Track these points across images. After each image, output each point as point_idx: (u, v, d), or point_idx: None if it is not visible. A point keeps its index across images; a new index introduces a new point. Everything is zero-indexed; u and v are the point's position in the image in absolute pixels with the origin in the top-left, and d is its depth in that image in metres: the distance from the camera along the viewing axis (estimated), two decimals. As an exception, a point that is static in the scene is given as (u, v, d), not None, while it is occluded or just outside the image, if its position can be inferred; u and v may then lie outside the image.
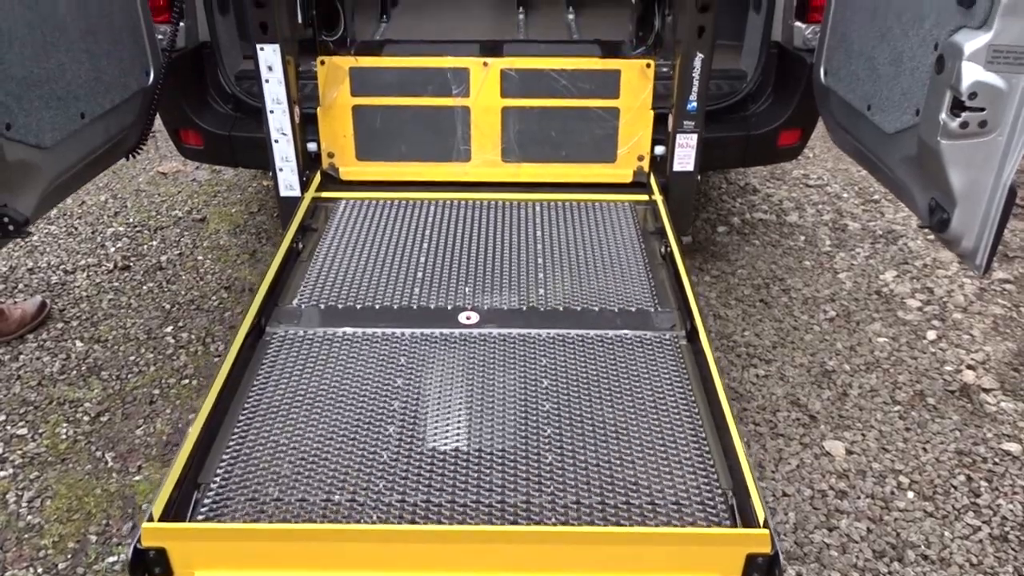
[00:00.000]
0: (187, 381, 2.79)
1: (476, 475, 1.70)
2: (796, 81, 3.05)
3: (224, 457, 1.74)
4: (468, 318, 2.17)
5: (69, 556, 2.16)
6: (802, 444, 2.56)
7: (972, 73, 1.98)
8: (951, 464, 2.50)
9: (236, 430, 1.80)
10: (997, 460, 2.52)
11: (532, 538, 1.47)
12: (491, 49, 3.50)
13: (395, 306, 2.23)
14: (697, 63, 2.54)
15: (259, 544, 1.49)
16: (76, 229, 3.76)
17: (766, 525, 1.47)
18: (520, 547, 1.47)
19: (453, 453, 1.74)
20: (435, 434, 1.80)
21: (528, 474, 1.70)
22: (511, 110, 2.82)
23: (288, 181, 2.75)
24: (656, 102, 2.79)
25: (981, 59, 1.97)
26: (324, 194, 2.80)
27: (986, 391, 2.79)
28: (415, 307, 2.23)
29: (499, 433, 1.81)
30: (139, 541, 1.46)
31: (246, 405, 1.87)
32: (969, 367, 2.90)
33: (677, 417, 1.86)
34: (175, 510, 1.58)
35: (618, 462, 1.73)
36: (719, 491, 1.65)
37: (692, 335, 2.08)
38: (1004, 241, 3.68)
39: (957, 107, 2.03)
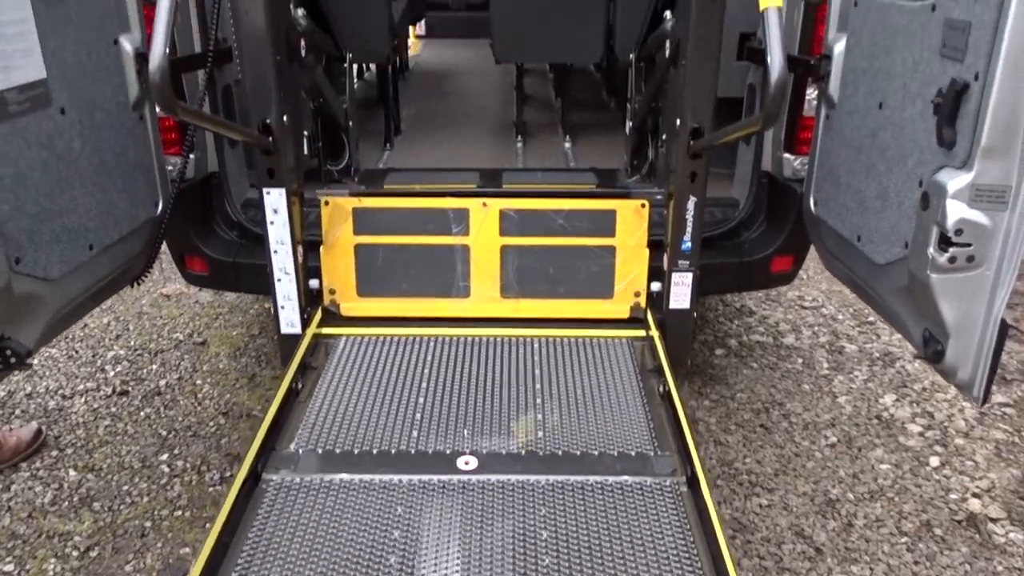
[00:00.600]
0: (180, 512, 2.74)
1: None
2: (787, 209, 3.13)
3: None
4: (467, 463, 2.15)
5: None
6: (809, 579, 2.50)
7: (957, 210, 2.05)
8: (963, 600, 2.43)
9: None
10: (1011, 596, 2.45)
11: None
12: (491, 177, 3.62)
13: (393, 451, 2.21)
14: (690, 206, 2.63)
15: None
16: (77, 352, 3.78)
17: None
18: None
19: None
20: None
21: None
22: (510, 248, 2.89)
23: (289, 319, 2.78)
24: (651, 241, 2.86)
25: (965, 197, 2.04)
26: (325, 330, 2.83)
27: (993, 521, 2.74)
28: (413, 452, 2.20)
29: None
30: None
31: (239, 561, 1.83)
32: (975, 495, 2.86)
33: (679, 570, 1.82)
34: None
35: None
36: None
37: (692, 481, 2.05)
38: (1001, 364, 3.69)
39: (944, 242, 2.08)
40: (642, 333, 2.79)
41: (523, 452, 2.22)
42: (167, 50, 1.97)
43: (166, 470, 2.95)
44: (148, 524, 2.69)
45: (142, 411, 3.32)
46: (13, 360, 2.21)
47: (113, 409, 3.33)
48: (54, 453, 3.04)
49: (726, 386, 3.50)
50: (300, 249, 2.76)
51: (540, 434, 2.28)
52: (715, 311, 4.17)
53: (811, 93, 2.93)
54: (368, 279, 2.92)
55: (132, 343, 3.86)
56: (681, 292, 2.75)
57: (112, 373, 3.60)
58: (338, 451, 2.21)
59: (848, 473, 2.97)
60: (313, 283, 2.87)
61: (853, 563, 2.56)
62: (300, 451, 2.21)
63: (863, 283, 2.63)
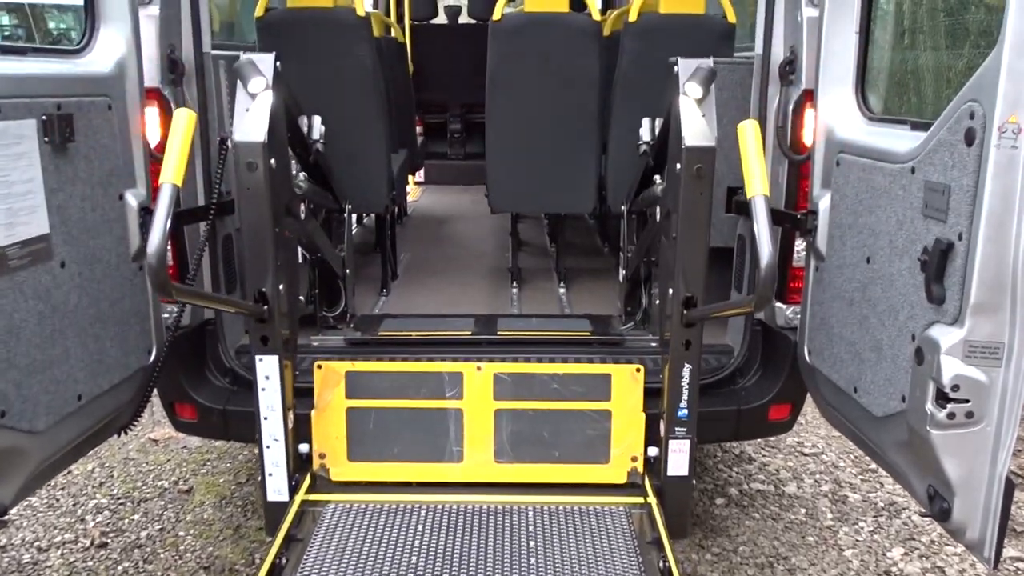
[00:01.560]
0: None
1: None
2: (783, 357, 3.13)
3: None
4: None
5: None
6: None
7: (952, 367, 2.04)
8: None
9: None
10: None
11: None
12: (485, 323, 3.63)
13: None
14: (686, 373, 2.64)
15: None
16: (57, 501, 3.66)
17: None
18: None
19: None
20: None
21: None
22: (504, 412, 2.87)
23: (277, 486, 2.71)
24: (648, 406, 2.84)
25: (959, 353, 2.04)
26: (312, 496, 2.76)
27: None
28: None
29: None
30: None
31: None
32: (994, 660, 2.72)
33: None
34: None
35: None
36: None
37: None
38: (1010, 515, 3.59)
39: (942, 398, 2.07)
40: (640, 500, 2.73)
41: None
42: (166, 233, 2.05)
43: (140, 632, 2.81)
44: None
45: (120, 564, 3.18)
46: (-10, 518, 2.14)
47: (90, 563, 3.19)
48: (24, 613, 2.90)
49: (728, 538, 3.39)
50: (291, 415, 2.72)
51: None
52: (714, 458, 4.09)
53: (800, 245, 2.99)
54: (359, 443, 2.87)
55: (115, 491, 3.75)
56: (679, 459, 2.71)
57: (92, 524, 3.48)
58: None
59: (860, 636, 2.83)
60: (303, 448, 2.82)
61: None
62: None
63: (862, 435, 2.59)
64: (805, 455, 4.13)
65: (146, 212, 2.72)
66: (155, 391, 3.10)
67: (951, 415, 2.06)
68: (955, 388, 2.04)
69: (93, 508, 3.61)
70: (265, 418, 2.69)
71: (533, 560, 2.40)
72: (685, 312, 2.55)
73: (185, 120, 2.29)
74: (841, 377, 2.65)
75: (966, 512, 2.13)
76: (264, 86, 2.52)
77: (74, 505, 3.63)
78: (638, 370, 2.84)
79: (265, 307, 2.56)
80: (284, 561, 2.40)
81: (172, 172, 2.19)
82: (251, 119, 2.50)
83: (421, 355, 3.27)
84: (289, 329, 2.71)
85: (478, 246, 5.51)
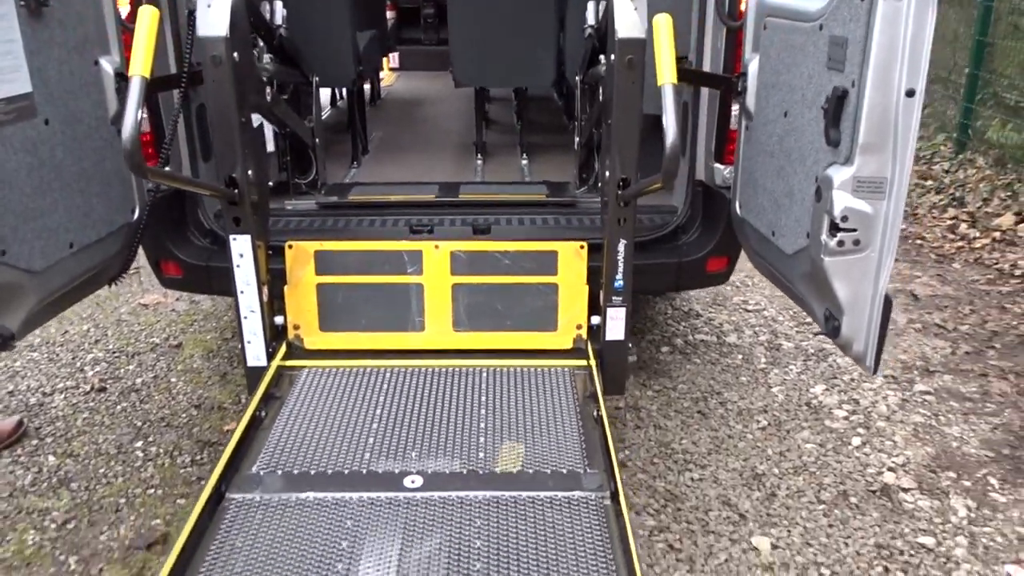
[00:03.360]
0: (153, 491, 2.95)
1: None
2: (721, 214, 3.41)
3: None
4: (412, 481, 2.37)
5: (28, 653, 2.27)
6: (731, 540, 2.73)
7: (842, 200, 2.32)
8: (870, 556, 2.67)
9: None
10: (912, 552, 2.69)
11: None
12: (448, 189, 3.88)
13: (346, 471, 2.42)
14: (621, 248, 2.88)
15: None
16: (57, 355, 3.98)
17: None
18: None
19: None
20: None
21: None
22: (460, 286, 3.13)
23: (256, 353, 2.98)
24: (591, 279, 3.10)
25: (848, 188, 2.32)
26: (289, 363, 3.03)
27: (905, 490, 3.00)
28: (364, 472, 2.42)
29: None
30: None
31: (201, 569, 2.04)
32: (890, 469, 3.11)
33: (595, 572, 2.05)
34: None
35: None
36: None
37: (615, 495, 2.30)
38: (925, 356, 3.98)
39: (834, 228, 2.36)
40: (583, 363, 3.02)
41: (464, 471, 2.44)
42: (138, 120, 2.23)
43: (140, 455, 3.16)
44: (123, 501, 2.89)
45: (118, 405, 3.52)
46: None
47: (91, 404, 3.54)
48: (34, 442, 3.24)
49: (669, 378, 3.75)
50: (265, 289, 2.97)
51: (481, 455, 2.51)
52: (664, 314, 4.43)
53: (736, 108, 3.22)
54: (330, 315, 3.13)
55: (111, 346, 4.07)
56: (616, 325, 3.00)
57: (91, 373, 3.81)
58: (296, 472, 2.42)
59: (775, 451, 3.22)
60: (279, 320, 3.09)
61: (773, 526, 2.80)
62: (261, 472, 2.42)
63: (778, 272, 2.90)
64: (748, 311, 4.48)
65: (121, 78, 2.91)
66: (143, 251, 3.37)
67: (840, 243, 2.35)
68: (844, 219, 2.33)
69: (91, 360, 3.93)
70: (241, 292, 2.94)
71: (484, 412, 2.72)
72: (619, 192, 2.80)
73: (149, 16, 2.44)
74: (763, 224, 2.93)
75: (852, 328, 2.45)
76: None
77: (73, 358, 3.96)
78: (582, 247, 3.09)
79: (235, 191, 2.77)
80: (263, 414, 2.69)
81: (140, 64, 2.34)
82: (214, 14, 2.64)
83: (387, 220, 3.54)
84: (259, 211, 2.94)
85: (448, 124, 5.70)
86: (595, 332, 3.09)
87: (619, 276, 2.95)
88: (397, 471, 2.43)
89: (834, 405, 3.55)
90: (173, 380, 3.74)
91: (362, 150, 4.74)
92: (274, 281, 3.12)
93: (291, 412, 2.72)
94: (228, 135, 2.76)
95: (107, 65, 2.85)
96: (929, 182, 6.80)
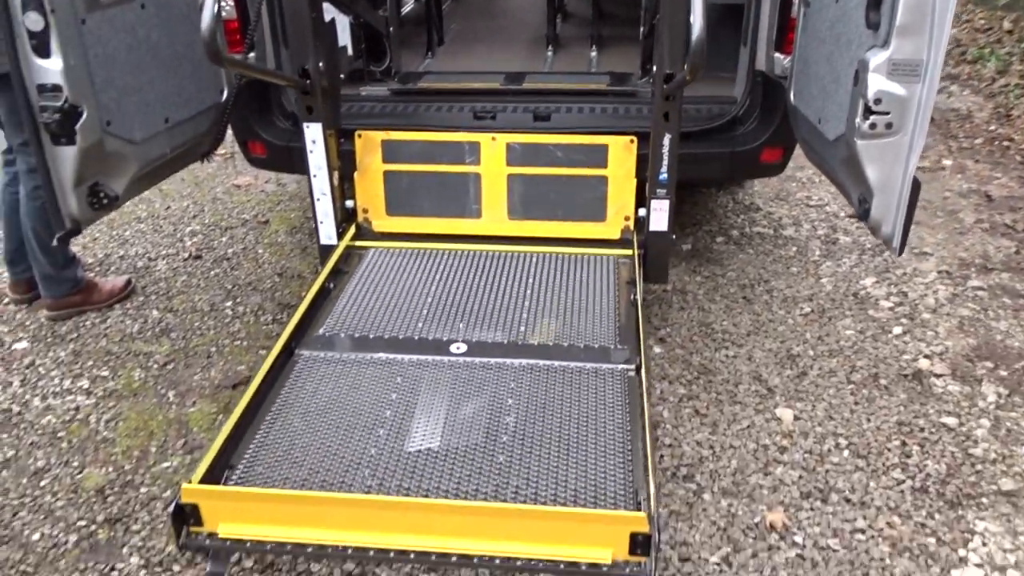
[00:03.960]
0: (239, 342, 3.34)
1: (441, 468, 2.16)
2: (778, 105, 3.45)
3: (252, 445, 2.24)
4: (458, 348, 2.64)
5: (134, 461, 2.70)
6: (756, 410, 2.92)
7: (877, 83, 2.38)
8: (890, 431, 2.82)
9: (262, 427, 2.31)
10: (933, 430, 2.83)
11: (464, 511, 1.94)
12: (514, 78, 4.02)
13: (400, 336, 2.71)
14: (666, 141, 2.99)
15: (266, 505, 1.98)
16: (160, 227, 4.41)
17: (647, 512, 1.92)
18: (456, 517, 1.93)
19: (426, 451, 2.21)
20: (414, 436, 2.27)
21: (482, 469, 2.15)
22: (515, 176, 3.32)
23: (328, 232, 3.28)
24: (640, 173, 3.22)
25: (883, 71, 2.38)
26: (357, 243, 3.32)
27: (937, 376, 3.10)
28: (416, 338, 2.70)
29: (465, 437, 2.26)
30: (180, 498, 1.98)
31: (272, 409, 2.38)
32: (926, 357, 3.21)
33: (612, 432, 2.29)
34: (209, 480, 2.08)
35: (555, 464, 2.17)
36: (631, 488, 2.08)
37: (638, 369, 2.51)
38: (987, 255, 3.96)
39: (867, 111, 2.43)
40: (628, 252, 3.20)
41: (505, 341, 2.70)
42: (215, 11, 2.44)
43: (229, 313, 3.56)
44: (213, 349, 3.30)
45: (212, 271, 3.93)
46: (106, 202, 2.79)
47: (189, 269, 3.95)
48: (140, 298, 3.68)
49: (720, 266, 3.89)
50: (336, 174, 3.23)
51: (522, 328, 2.75)
52: (725, 207, 4.52)
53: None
54: (395, 200, 3.39)
55: (206, 221, 4.48)
56: (659, 217, 3.14)
57: (189, 243, 4.22)
58: (356, 335, 2.72)
59: (814, 336, 3.35)
60: (349, 203, 3.36)
61: (799, 401, 2.97)
62: (326, 334, 2.74)
63: (822, 159, 2.97)
64: (810, 206, 4.52)
65: None
66: (231, 132, 3.67)
67: (873, 125, 2.43)
68: (878, 102, 2.39)
69: (189, 232, 4.35)
70: (314, 175, 3.22)
71: (529, 292, 2.96)
72: (664, 87, 2.89)
73: None
74: (812, 111, 2.99)
75: (882, 210, 2.54)
76: None
77: (174, 230, 4.38)
78: (632, 140, 3.21)
79: (308, 81, 3.00)
80: (332, 286, 3.01)
81: None
82: None
83: (453, 107, 3.73)
84: (330, 100, 3.15)
85: (524, 18, 5.76)
86: (641, 223, 3.25)
87: (664, 169, 3.08)
88: (445, 338, 2.71)
89: (881, 296, 3.63)
90: (260, 251, 4.12)
91: (437, 41, 4.89)
92: (346, 166, 3.38)
93: (356, 285, 3.02)
94: (301, 29, 2.99)
95: None
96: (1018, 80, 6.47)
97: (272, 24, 3.56)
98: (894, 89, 2.38)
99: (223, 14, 3.33)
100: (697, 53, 2.45)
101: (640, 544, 1.88)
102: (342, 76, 3.53)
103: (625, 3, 6.19)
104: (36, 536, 2.42)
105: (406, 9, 6.01)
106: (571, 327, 2.77)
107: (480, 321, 2.81)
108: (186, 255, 4.08)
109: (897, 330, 3.38)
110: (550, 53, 4.73)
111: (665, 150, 3.04)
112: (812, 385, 3.05)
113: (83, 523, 2.47)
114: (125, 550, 2.37)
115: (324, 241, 3.33)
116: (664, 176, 3.08)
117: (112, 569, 2.30)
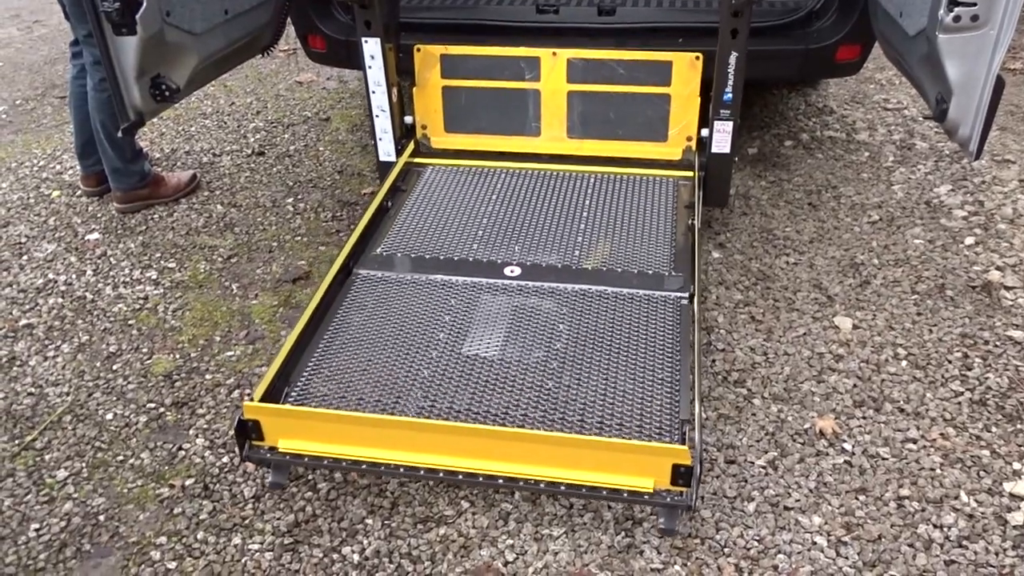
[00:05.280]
0: (300, 238, 3.41)
1: (491, 393, 2.19)
2: (858, 1, 3.25)
3: (309, 364, 2.31)
4: (512, 271, 2.63)
5: (199, 349, 2.82)
6: (814, 318, 2.87)
7: (964, -30, 2.21)
8: (951, 343, 2.74)
9: (320, 346, 2.37)
10: (998, 343, 2.74)
11: (510, 436, 1.97)
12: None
13: (456, 258, 2.72)
14: (732, 60, 2.84)
15: (323, 424, 2.06)
16: (225, 123, 4.46)
17: (691, 445, 1.93)
18: (503, 443, 1.98)
19: (478, 374, 2.24)
20: (466, 359, 2.30)
21: (531, 395, 2.18)
22: (575, 94, 3.21)
23: (387, 149, 3.25)
24: (705, 92, 3.08)
25: (973, -42, 2.20)
26: (416, 160, 3.28)
27: (1008, 288, 2.98)
28: (471, 260, 2.70)
29: (516, 359, 2.28)
30: (242, 415, 2.07)
31: (330, 328, 2.43)
32: (998, 268, 3.08)
33: (661, 360, 2.28)
34: (270, 397, 2.16)
35: (603, 392, 2.18)
36: (677, 419, 2.09)
37: (691, 297, 2.46)
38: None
39: (953, 3, 2.26)
40: (689, 174, 3.10)
41: (559, 265, 2.67)
42: None
43: (291, 209, 3.62)
44: (275, 244, 3.37)
45: (275, 167, 3.98)
46: (168, 93, 2.81)
47: (252, 165, 4.01)
48: (205, 193, 3.76)
49: (786, 171, 3.76)
50: (395, 91, 3.17)
51: (577, 253, 2.71)
52: (796, 109, 4.33)
53: None
54: (454, 117, 3.33)
55: (269, 118, 4.51)
56: (722, 138, 3.02)
57: (252, 139, 4.27)
58: (413, 256, 2.74)
59: (880, 244, 3.24)
60: (408, 119, 3.31)
61: (859, 310, 2.90)
62: (384, 253, 2.76)
63: (901, 58, 2.80)
64: (887, 110, 4.30)
65: None
66: (292, 26, 3.64)
67: (957, 18, 2.26)
68: (964, -8, 2.23)
69: (252, 128, 4.39)
70: (373, 92, 3.17)
71: (585, 214, 2.91)
72: (732, 1, 2.73)
73: None
74: (893, 4, 2.80)
75: (960, 110, 2.39)
76: None
77: (238, 126, 4.43)
78: (697, 58, 3.07)
79: None
80: (390, 204, 3.01)
81: None
82: None
83: (507, 37, 3.62)
84: (389, 14, 3.06)
85: None
86: (704, 144, 3.14)
87: (728, 89, 2.95)
88: (500, 261, 2.72)
89: (955, 205, 3.47)
90: (321, 149, 4.14)
91: None
92: (405, 75, 3.32)
93: (414, 204, 3.02)
94: None
95: None
96: None
97: None
98: (983, -22, 2.21)
99: None
100: None
101: (682, 475, 1.91)
102: None
103: None
104: (109, 416, 2.57)
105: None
106: (626, 251, 2.74)
107: (535, 243, 2.80)
108: (249, 151, 4.14)
109: (969, 240, 3.25)
110: None
111: (731, 68, 2.91)
112: (874, 295, 2.97)
113: (152, 405, 2.60)
114: (192, 431, 2.50)
115: (383, 158, 3.32)
116: (729, 96, 2.96)
117: (179, 448, 2.44)
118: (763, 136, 4.05)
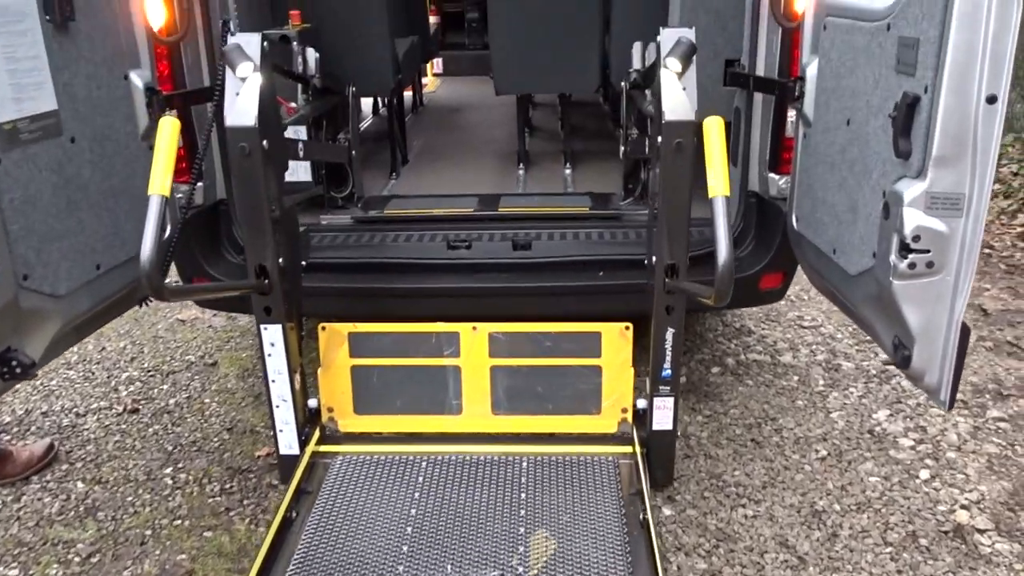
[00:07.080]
0: (179, 522, 2.85)
1: None
2: (775, 227, 3.19)
3: None
4: None
5: None
6: (789, 587, 2.53)
7: (914, 218, 2.11)
8: (944, 608, 2.44)
9: None
10: (992, 604, 2.46)
11: None
12: (489, 201, 3.73)
13: None
14: (668, 336, 2.70)
15: None
16: (93, 374, 3.93)
17: None
18: None
19: None
20: None
21: None
22: (499, 368, 2.97)
23: (288, 441, 2.86)
24: (636, 361, 2.92)
25: (921, 205, 2.11)
26: (322, 448, 2.91)
27: (980, 532, 2.75)
28: None
29: None
30: None
31: None
32: (963, 507, 2.87)
33: None
34: None
35: None
36: None
37: None
38: (999, 380, 3.70)
39: (904, 249, 2.14)
40: (629, 449, 2.85)
41: None
42: (157, 242, 2.17)
43: (169, 482, 3.07)
44: (148, 532, 2.79)
45: (151, 428, 3.44)
46: (19, 371, 2.34)
47: (123, 426, 3.46)
48: (64, 467, 3.17)
49: (720, 402, 3.54)
50: (297, 377, 2.84)
51: (520, 569, 2.32)
52: (715, 331, 4.22)
53: (792, 115, 3.01)
54: (364, 398, 3.00)
55: (146, 365, 4.01)
56: (663, 415, 2.82)
57: (125, 393, 3.74)
58: None
59: (836, 485, 2.99)
60: (312, 403, 2.97)
61: (835, 572, 2.58)
62: None
63: (839, 294, 2.68)
64: (804, 328, 4.24)
65: (151, 92, 2.82)
66: (175, 268, 3.28)
67: (912, 265, 2.14)
68: (916, 239, 2.12)
69: (125, 379, 3.87)
70: (273, 381, 2.81)
71: (523, 512, 2.55)
72: (666, 280, 2.61)
73: (169, 130, 2.33)
74: (823, 240, 2.72)
75: (924, 358, 2.23)
76: (252, 69, 2.52)
77: (108, 377, 3.90)
78: (627, 327, 2.91)
79: (267, 280, 2.64)
80: (295, 515, 2.56)
81: (159, 183, 2.26)
82: (241, 103, 2.50)
83: (424, 235, 3.39)
84: (291, 297, 2.79)
85: (490, 132, 5.55)
86: (641, 417, 2.92)
87: (667, 365, 2.77)
88: None
89: (899, 433, 3.31)
90: (207, 401, 3.66)
91: (401, 161, 4.62)
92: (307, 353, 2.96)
93: (323, 514, 2.57)
94: (258, 226, 2.62)
95: (137, 79, 2.76)
96: (997, 186, 6.44)
97: (222, 151, 3.23)
98: (934, 225, 2.11)
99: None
100: (724, 279, 2.19)
101: None
102: (304, 264, 3.14)
103: (593, 116, 6.06)
104: None
105: (365, 124, 5.78)
106: (576, 557, 2.36)
107: (469, 561, 2.37)
108: (120, 409, 3.60)
109: (924, 474, 3.05)
110: (522, 171, 4.48)
111: (668, 345, 2.73)
112: (846, 550, 2.67)
113: None
114: None
115: (284, 451, 2.88)
116: (667, 372, 2.77)
117: None
118: (688, 363, 3.87)
